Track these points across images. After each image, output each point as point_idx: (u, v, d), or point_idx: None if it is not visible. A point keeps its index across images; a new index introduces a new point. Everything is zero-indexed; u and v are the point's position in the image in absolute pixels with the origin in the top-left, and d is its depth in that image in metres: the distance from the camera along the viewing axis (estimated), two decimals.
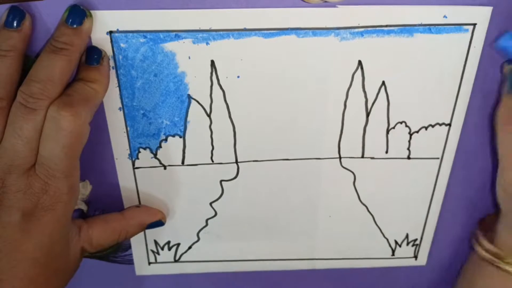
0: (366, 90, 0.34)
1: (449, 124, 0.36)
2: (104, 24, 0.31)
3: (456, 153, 0.37)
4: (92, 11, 0.30)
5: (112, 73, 0.33)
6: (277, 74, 0.34)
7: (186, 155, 0.36)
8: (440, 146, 0.37)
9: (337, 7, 0.31)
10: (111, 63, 0.32)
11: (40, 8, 0.30)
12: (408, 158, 0.38)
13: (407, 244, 0.42)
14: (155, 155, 0.36)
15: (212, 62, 0.33)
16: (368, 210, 0.40)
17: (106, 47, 0.32)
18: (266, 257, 0.43)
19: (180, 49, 0.32)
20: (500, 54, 0.33)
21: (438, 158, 0.37)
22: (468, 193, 0.40)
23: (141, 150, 0.36)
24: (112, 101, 0.34)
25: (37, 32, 0.31)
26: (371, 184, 0.39)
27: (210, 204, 0.39)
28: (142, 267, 0.42)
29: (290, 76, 0.34)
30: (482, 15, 0.32)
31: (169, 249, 0.41)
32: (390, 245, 0.42)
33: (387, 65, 0.33)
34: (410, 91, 0.35)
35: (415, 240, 0.42)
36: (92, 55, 0.31)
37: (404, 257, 0.43)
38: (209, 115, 0.35)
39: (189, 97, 0.34)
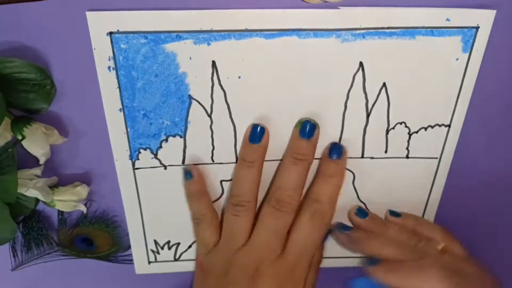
0: (367, 91, 0.34)
1: (449, 125, 0.36)
2: (104, 25, 0.31)
3: (455, 154, 0.38)
4: (92, 12, 0.30)
5: (112, 74, 0.32)
6: (278, 75, 0.33)
7: (186, 155, 0.36)
8: (439, 146, 0.37)
9: (338, 8, 0.31)
10: (111, 64, 0.32)
11: (40, 8, 0.30)
12: (407, 157, 0.38)
13: None
14: (155, 155, 0.36)
15: (213, 63, 0.33)
16: (367, 208, 0.40)
17: (106, 48, 0.31)
18: None
19: (181, 49, 0.32)
20: None
21: (436, 158, 0.38)
22: (466, 193, 0.40)
23: (141, 150, 0.36)
24: (112, 102, 0.34)
25: (38, 33, 0.31)
26: (370, 183, 0.39)
27: None
28: (142, 266, 0.42)
29: (291, 77, 0.34)
30: (485, 18, 0.32)
31: (169, 248, 0.41)
32: None
33: (389, 66, 0.33)
34: (411, 93, 0.35)
35: None
36: (333, 150, 0.36)
37: None
38: (210, 116, 0.35)
39: (190, 97, 0.34)
